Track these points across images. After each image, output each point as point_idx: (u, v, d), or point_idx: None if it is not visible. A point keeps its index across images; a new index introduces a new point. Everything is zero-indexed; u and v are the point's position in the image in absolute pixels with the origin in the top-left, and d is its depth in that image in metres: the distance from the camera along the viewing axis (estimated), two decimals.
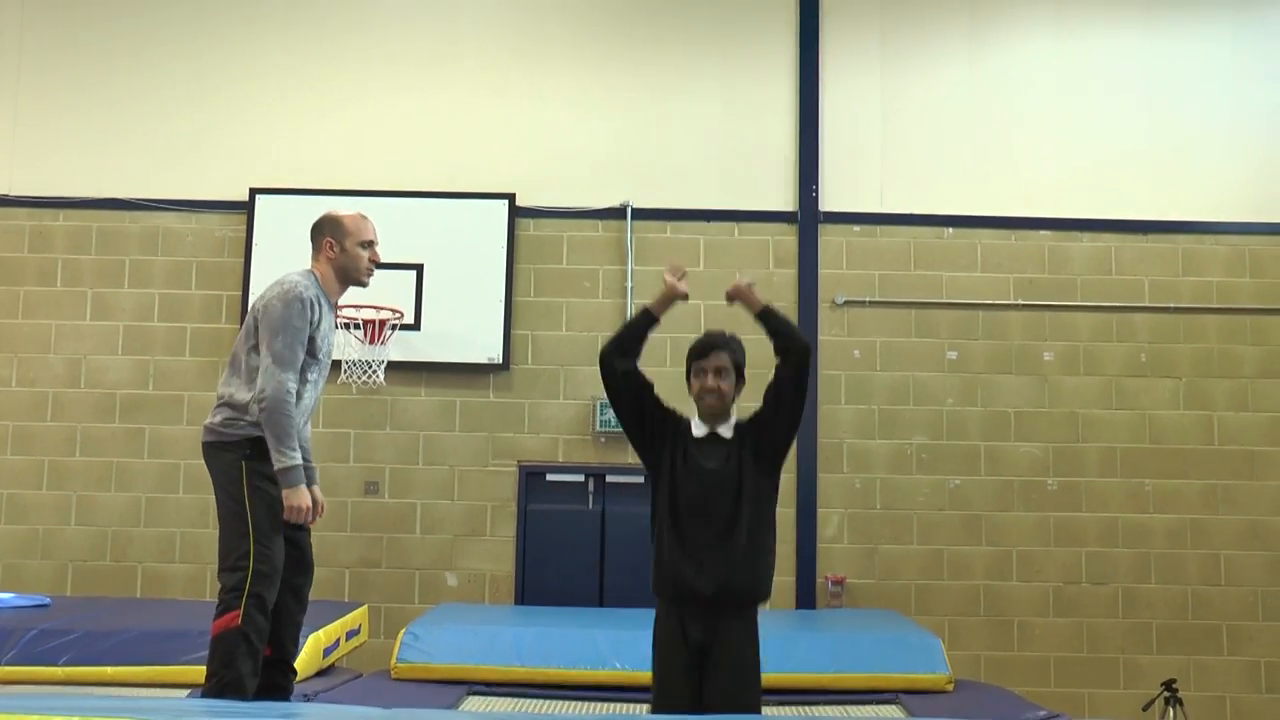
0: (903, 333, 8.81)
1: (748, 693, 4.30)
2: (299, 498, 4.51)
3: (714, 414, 4.50)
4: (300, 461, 4.57)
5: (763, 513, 4.44)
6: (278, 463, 4.51)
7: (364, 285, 5.00)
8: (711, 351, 4.51)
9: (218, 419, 4.68)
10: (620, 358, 4.50)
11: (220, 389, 4.74)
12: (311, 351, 4.68)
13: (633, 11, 9.13)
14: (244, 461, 4.56)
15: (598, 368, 4.52)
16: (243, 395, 4.64)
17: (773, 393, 4.46)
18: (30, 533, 8.64)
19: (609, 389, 4.55)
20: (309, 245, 8.06)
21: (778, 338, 4.47)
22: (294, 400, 4.57)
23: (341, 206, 5.17)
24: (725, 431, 4.50)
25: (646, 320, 4.57)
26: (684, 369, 4.57)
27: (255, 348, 4.67)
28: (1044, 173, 8.94)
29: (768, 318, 4.51)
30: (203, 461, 4.74)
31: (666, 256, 4.85)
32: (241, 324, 8.65)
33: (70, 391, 8.74)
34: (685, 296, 4.64)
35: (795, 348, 4.44)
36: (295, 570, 4.75)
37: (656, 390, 4.54)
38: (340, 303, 8.93)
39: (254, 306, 4.76)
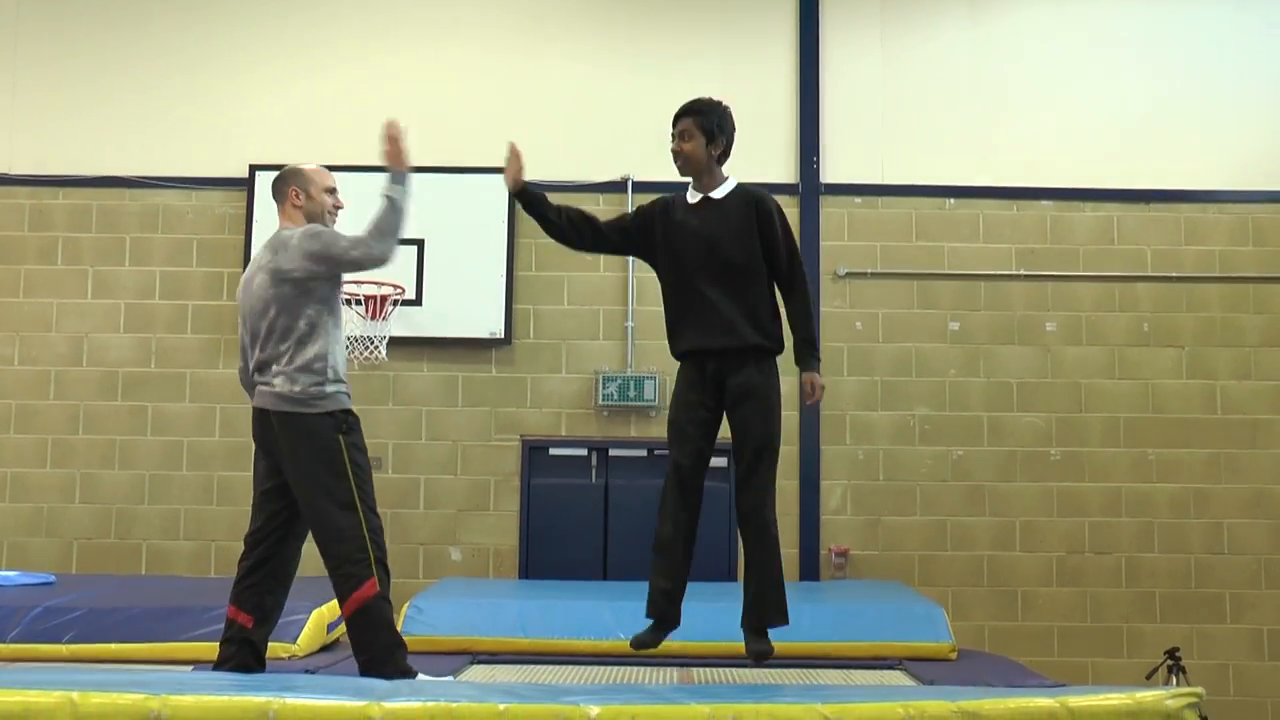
0: (905, 304, 8.80)
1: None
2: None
3: (693, 175, 4.95)
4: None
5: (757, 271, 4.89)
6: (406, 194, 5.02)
7: None
8: (678, 119, 4.95)
9: (297, 386, 4.62)
10: (589, 246, 5.10)
11: (281, 363, 4.65)
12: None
13: None
14: (339, 435, 4.69)
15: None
16: (310, 353, 4.68)
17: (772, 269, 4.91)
18: (35, 511, 8.66)
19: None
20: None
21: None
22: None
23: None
24: (718, 193, 4.96)
25: (531, 209, 5.02)
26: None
27: (300, 298, 4.67)
28: (1046, 142, 8.90)
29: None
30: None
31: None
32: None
33: (72, 370, 8.74)
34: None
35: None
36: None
37: (631, 218, 5.09)
38: (343, 278, 8.85)
39: (270, 274, 4.67)
